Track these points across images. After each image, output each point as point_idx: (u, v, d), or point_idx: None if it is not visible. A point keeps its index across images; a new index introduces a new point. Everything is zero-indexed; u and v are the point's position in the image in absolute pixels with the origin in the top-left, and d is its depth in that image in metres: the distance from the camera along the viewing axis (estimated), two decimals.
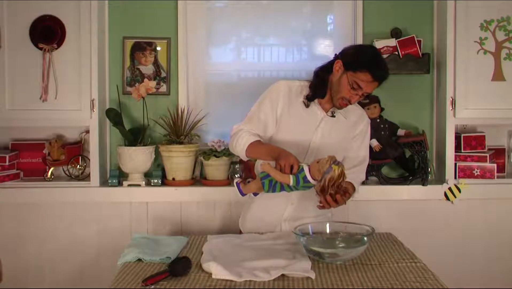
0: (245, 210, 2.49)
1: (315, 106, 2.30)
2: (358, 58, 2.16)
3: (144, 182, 3.02)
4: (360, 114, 2.41)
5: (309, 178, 2.03)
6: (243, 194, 2.22)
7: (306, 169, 2.04)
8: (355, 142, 2.38)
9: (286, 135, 2.29)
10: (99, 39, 2.98)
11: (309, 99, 2.28)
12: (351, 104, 2.24)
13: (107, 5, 3.11)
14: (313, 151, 2.28)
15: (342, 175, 2.00)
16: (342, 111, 2.32)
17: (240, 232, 2.49)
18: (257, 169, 2.40)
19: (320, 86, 2.27)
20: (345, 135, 2.35)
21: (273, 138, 2.32)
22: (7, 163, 3.01)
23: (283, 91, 2.30)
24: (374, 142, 3.04)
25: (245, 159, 2.28)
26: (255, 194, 2.23)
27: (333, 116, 2.31)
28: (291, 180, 2.04)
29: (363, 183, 3.04)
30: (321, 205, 2.11)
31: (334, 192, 2.04)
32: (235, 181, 2.23)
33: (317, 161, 2.03)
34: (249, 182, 2.22)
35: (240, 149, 2.24)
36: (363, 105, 3.08)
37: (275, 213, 2.37)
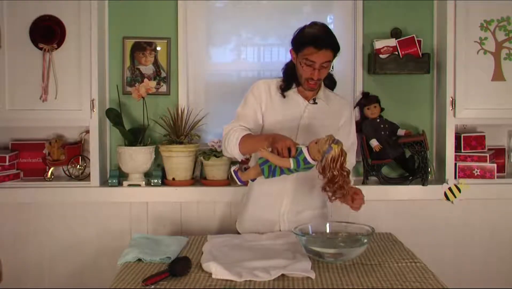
0: (241, 212, 2.50)
1: (296, 97, 2.35)
2: (298, 39, 2.27)
3: (144, 182, 3.03)
4: (343, 103, 2.45)
5: (309, 159, 2.00)
6: (241, 182, 2.18)
7: (305, 150, 2.01)
8: (343, 131, 2.40)
9: (274, 129, 2.30)
10: (99, 39, 2.99)
11: (283, 90, 2.35)
12: (317, 81, 2.26)
13: (107, 5, 3.11)
14: (300, 139, 2.27)
15: (342, 152, 1.98)
16: (324, 98, 2.37)
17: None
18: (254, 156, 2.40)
19: (288, 76, 2.36)
20: (329, 122, 2.36)
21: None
22: (7, 163, 3.01)
23: (263, 89, 2.36)
24: (374, 142, 3.04)
25: (239, 157, 2.25)
26: (253, 180, 2.20)
27: (315, 103, 2.35)
28: (291, 163, 2.01)
29: (363, 183, 3.06)
30: (333, 198, 2.09)
31: (338, 172, 1.99)
32: (232, 169, 2.19)
33: (315, 141, 2.00)
34: (245, 169, 2.18)
35: (232, 145, 2.21)
36: (363, 105, 3.10)
37: (272, 209, 2.36)
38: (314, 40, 2.20)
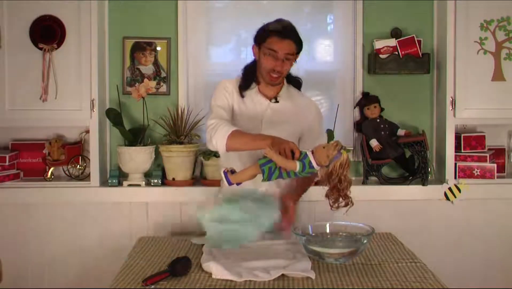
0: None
1: (257, 97, 2.36)
2: (262, 31, 2.32)
3: (144, 182, 3.03)
4: (308, 104, 2.45)
5: (314, 163, 1.99)
6: (230, 183, 2.13)
7: (309, 154, 1.99)
8: (309, 134, 2.38)
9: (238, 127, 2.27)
10: (99, 39, 2.99)
11: (242, 89, 2.36)
12: (280, 74, 2.28)
13: (107, 5, 3.11)
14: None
15: (348, 159, 1.96)
16: (287, 97, 2.37)
17: None
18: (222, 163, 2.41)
19: (248, 75, 2.37)
20: (292, 120, 2.35)
21: None
22: (7, 163, 3.01)
23: (229, 86, 2.37)
24: (374, 143, 3.04)
25: (223, 151, 2.19)
26: (238, 184, 2.15)
27: (276, 101, 2.36)
28: (297, 165, 1.98)
29: (363, 183, 3.07)
30: (335, 206, 2.02)
31: (345, 178, 1.96)
32: (222, 170, 2.14)
33: (323, 146, 1.98)
34: (232, 172, 2.13)
35: (220, 138, 2.15)
36: (363, 105, 3.11)
37: None
38: (278, 29, 2.25)
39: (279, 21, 2.32)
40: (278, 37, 2.24)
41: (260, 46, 2.31)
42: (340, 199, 1.99)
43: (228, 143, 2.15)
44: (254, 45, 2.35)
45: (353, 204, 2.00)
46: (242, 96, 2.36)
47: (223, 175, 2.12)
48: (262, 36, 2.29)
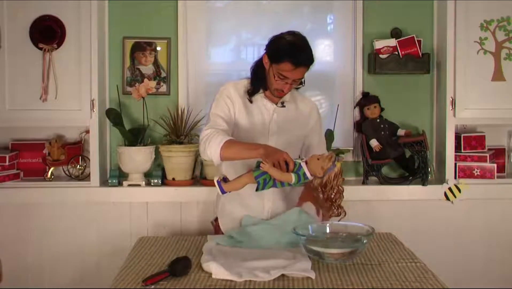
0: (220, 212, 2.44)
1: (264, 101, 2.32)
2: (276, 50, 2.21)
3: (144, 182, 3.03)
4: (311, 106, 2.45)
5: (308, 174, 2.00)
6: (223, 192, 2.12)
7: (303, 164, 2.01)
8: (313, 132, 2.42)
9: (243, 133, 2.27)
10: (99, 39, 2.99)
11: (250, 94, 2.31)
12: (285, 93, 2.26)
13: (107, 5, 3.11)
14: (272, 143, 2.24)
15: (341, 170, 2.00)
16: (291, 100, 2.36)
17: (218, 232, 2.44)
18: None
19: (256, 81, 2.31)
20: (299, 124, 2.36)
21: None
22: (7, 163, 3.01)
23: (233, 92, 2.31)
24: (374, 143, 3.04)
25: (218, 161, 2.15)
26: (230, 191, 2.16)
27: (283, 106, 2.33)
28: (293, 178, 2.00)
29: (363, 183, 3.07)
30: (329, 215, 2.09)
31: (339, 189, 2.01)
32: (215, 179, 2.13)
33: (317, 157, 2.01)
34: (225, 180, 2.13)
35: (214, 148, 2.11)
36: (363, 105, 3.11)
37: (255, 211, 2.33)
38: (292, 56, 2.15)
39: (293, 40, 2.19)
40: (292, 64, 2.14)
41: (271, 62, 2.21)
42: (333, 208, 2.03)
43: (222, 154, 2.11)
44: (266, 56, 2.24)
45: (345, 214, 2.06)
46: (251, 101, 2.31)
47: (216, 184, 2.12)
48: (275, 57, 2.19)
